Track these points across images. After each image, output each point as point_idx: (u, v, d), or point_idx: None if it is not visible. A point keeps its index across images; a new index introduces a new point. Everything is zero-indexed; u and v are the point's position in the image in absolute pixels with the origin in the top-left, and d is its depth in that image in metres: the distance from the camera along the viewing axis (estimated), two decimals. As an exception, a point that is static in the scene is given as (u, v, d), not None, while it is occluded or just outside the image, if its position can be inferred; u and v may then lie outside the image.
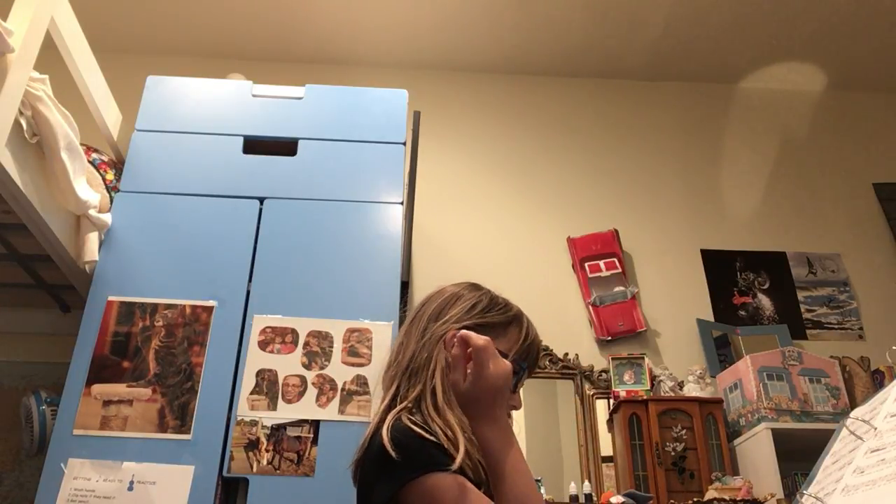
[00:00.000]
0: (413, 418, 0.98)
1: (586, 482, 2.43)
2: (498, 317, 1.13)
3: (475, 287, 1.17)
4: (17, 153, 1.72)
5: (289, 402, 1.89)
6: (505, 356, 1.07)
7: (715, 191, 3.25)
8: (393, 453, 0.92)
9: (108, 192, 2.16)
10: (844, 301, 3.02)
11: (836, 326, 2.97)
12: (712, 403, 2.46)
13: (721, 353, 2.81)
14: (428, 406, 1.01)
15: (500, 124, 3.34)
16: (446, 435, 0.96)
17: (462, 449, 0.94)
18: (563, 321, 2.86)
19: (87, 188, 2.00)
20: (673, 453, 2.35)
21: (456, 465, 0.91)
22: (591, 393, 2.69)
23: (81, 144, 1.96)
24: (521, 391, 1.17)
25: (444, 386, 1.03)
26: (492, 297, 1.16)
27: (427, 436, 0.95)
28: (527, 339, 1.13)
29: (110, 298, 2.00)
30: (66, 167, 1.85)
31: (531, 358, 1.14)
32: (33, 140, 1.78)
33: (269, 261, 2.09)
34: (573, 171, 3.24)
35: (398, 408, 1.01)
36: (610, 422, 2.59)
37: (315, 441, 1.85)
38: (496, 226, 3.07)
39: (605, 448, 2.57)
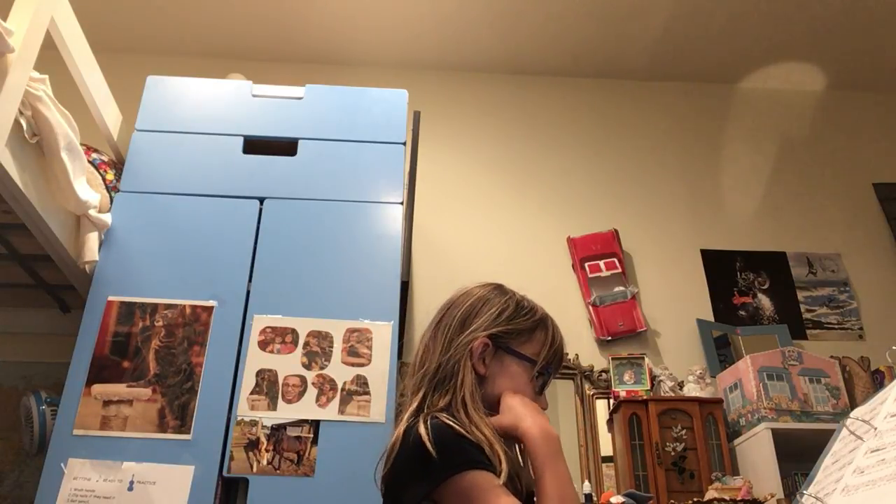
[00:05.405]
0: (450, 419, 0.99)
1: (586, 482, 2.43)
2: (524, 322, 1.13)
3: (501, 291, 1.16)
4: (17, 153, 1.72)
5: (289, 402, 1.89)
6: (533, 361, 1.10)
7: (715, 191, 3.25)
8: (432, 450, 0.92)
9: (108, 192, 2.16)
10: (844, 301, 3.02)
11: (836, 326, 2.97)
12: (712, 403, 2.46)
13: (721, 353, 2.81)
14: (461, 415, 1.01)
15: (500, 124, 3.34)
16: (490, 443, 0.96)
17: (504, 459, 0.95)
18: (563, 321, 2.76)
19: (87, 188, 2.00)
20: (673, 453, 2.35)
21: (502, 478, 0.92)
22: (591, 393, 2.69)
23: (81, 144, 1.96)
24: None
25: (473, 396, 1.04)
26: (518, 301, 1.15)
27: (466, 434, 0.96)
28: (553, 344, 1.13)
29: (110, 298, 2.00)
30: (66, 167, 1.85)
31: (556, 360, 1.14)
32: (33, 140, 1.78)
33: (269, 261, 2.09)
34: (573, 171, 3.24)
35: (428, 412, 1.01)
36: (610, 422, 2.59)
37: (315, 441, 1.85)
38: (496, 226, 3.07)
39: (605, 448, 2.57)
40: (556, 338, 1.14)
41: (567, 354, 2.72)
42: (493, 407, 1.06)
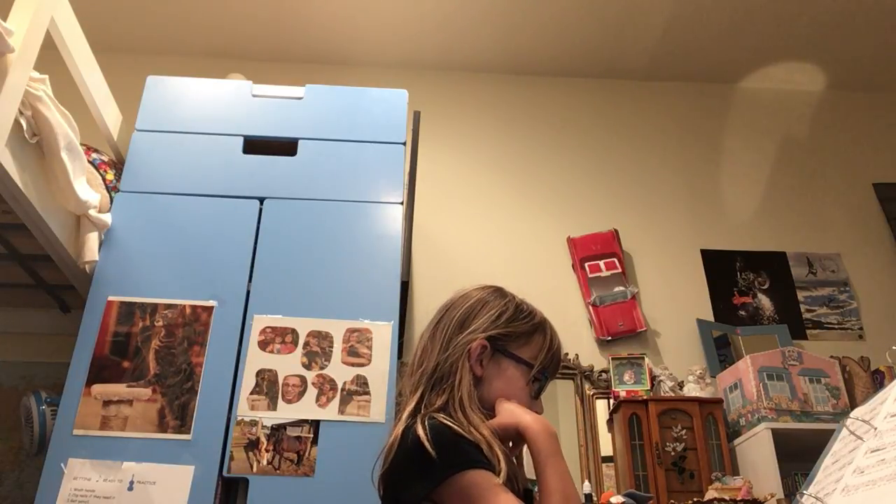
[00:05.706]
0: (448, 419, 0.99)
1: (586, 482, 2.43)
2: (523, 325, 1.13)
3: (501, 294, 1.16)
4: (17, 153, 1.72)
5: (289, 402, 1.89)
6: (530, 365, 1.10)
7: (715, 191, 3.25)
8: (431, 451, 0.93)
9: (108, 192, 2.16)
10: (844, 301, 3.02)
11: (836, 326, 2.97)
12: (712, 403, 2.46)
13: (721, 353, 2.81)
14: (459, 415, 1.01)
15: (500, 124, 3.34)
16: (488, 443, 0.97)
17: (503, 459, 0.95)
18: (563, 321, 2.83)
19: (87, 188, 2.00)
20: (673, 453, 2.35)
21: (501, 477, 0.92)
22: (591, 393, 2.69)
23: (81, 144, 1.96)
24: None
25: (471, 396, 1.04)
26: (517, 304, 1.15)
27: (464, 434, 0.97)
28: (551, 348, 1.14)
29: (110, 298, 2.00)
30: (66, 167, 1.85)
31: (554, 365, 1.15)
32: (33, 140, 1.78)
33: (269, 261, 2.09)
34: (573, 171, 3.24)
35: (425, 412, 1.02)
36: (610, 422, 2.59)
37: (315, 441, 1.85)
38: (496, 226, 3.07)
39: (605, 448, 2.57)
40: (553, 342, 1.14)
41: (567, 354, 2.73)
42: (488, 410, 1.06)
